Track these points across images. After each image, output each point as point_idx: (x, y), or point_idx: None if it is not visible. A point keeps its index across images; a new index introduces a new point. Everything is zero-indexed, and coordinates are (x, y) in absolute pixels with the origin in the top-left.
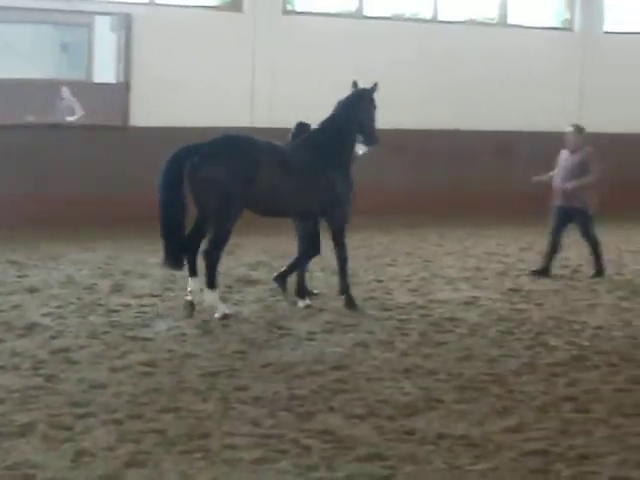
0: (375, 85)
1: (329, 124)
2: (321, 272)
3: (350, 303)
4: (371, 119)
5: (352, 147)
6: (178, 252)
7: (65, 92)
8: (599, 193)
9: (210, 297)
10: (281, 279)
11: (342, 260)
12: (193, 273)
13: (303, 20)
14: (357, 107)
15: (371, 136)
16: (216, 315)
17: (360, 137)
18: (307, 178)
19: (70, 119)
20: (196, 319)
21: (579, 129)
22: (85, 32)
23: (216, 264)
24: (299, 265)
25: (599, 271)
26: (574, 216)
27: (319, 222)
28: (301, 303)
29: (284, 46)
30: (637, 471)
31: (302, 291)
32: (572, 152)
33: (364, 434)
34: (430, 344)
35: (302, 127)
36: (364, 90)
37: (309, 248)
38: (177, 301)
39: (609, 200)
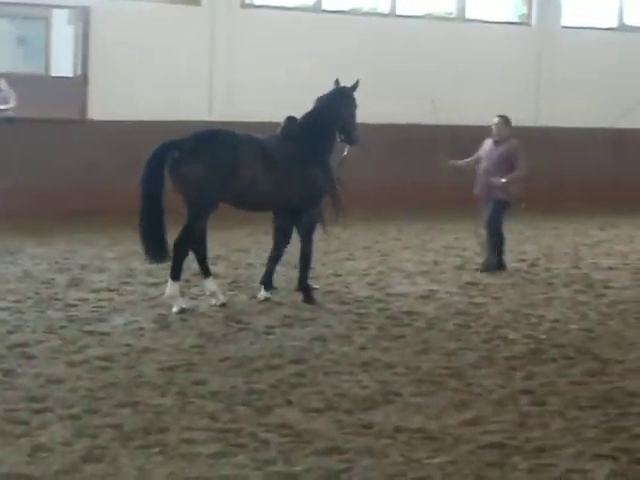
0: (356, 83)
1: (310, 119)
2: (280, 266)
3: (309, 298)
4: (352, 117)
5: (333, 143)
6: (159, 245)
7: (2, 83)
8: (524, 186)
9: (171, 289)
10: (267, 280)
11: (307, 255)
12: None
13: (261, 14)
14: (339, 104)
15: (352, 135)
16: (174, 309)
17: (341, 136)
18: (288, 172)
19: (2, 107)
20: (153, 313)
21: (506, 120)
22: (42, 25)
23: (184, 257)
24: (275, 257)
25: (500, 265)
26: (493, 205)
27: (296, 216)
28: (262, 294)
29: (242, 40)
30: (593, 463)
31: (268, 282)
32: (497, 143)
33: (322, 428)
34: (388, 338)
35: (292, 121)
36: (345, 88)
37: (283, 240)
38: (135, 295)
39: (564, 194)
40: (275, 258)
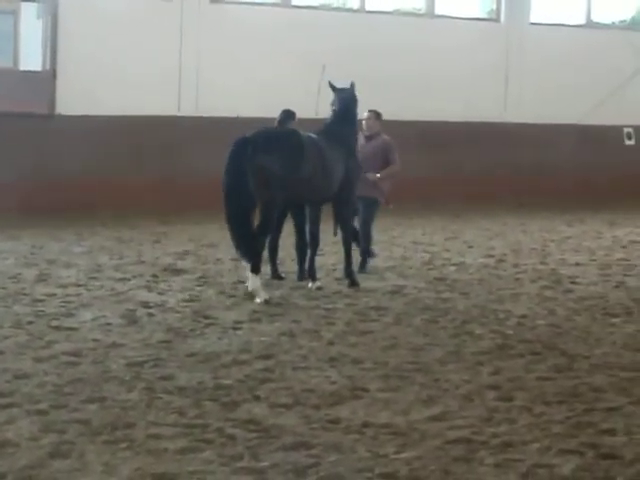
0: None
1: (341, 117)
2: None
3: (354, 282)
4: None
5: (356, 138)
6: (249, 241)
7: None
8: (393, 183)
9: (254, 282)
10: (309, 272)
11: (349, 243)
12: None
13: (231, 9)
14: (354, 102)
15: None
16: (257, 300)
17: None
18: (334, 168)
19: None
20: (121, 309)
21: (377, 114)
22: (11, 19)
23: (262, 250)
24: (312, 249)
25: (362, 264)
26: (366, 204)
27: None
28: (312, 285)
29: (212, 35)
30: (559, 458)
31: (313, 273)
32: (368, 138)
33: (289, 423)
34: (356, 333)
35: (288, 114)
36: (353, 88)
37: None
38: (102, 291)
39: (532, 190)
40: (315, 247)
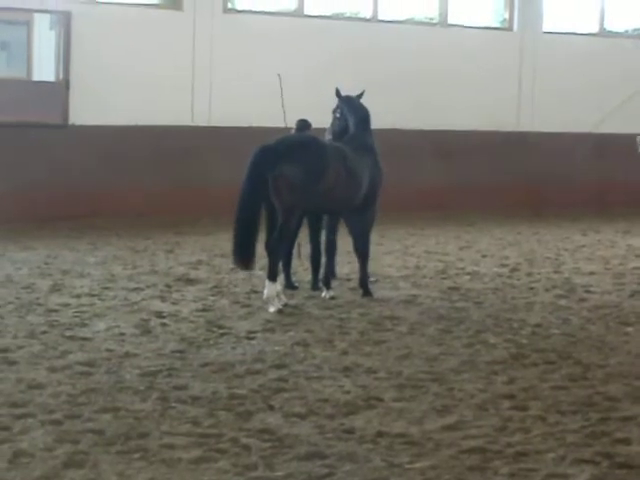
0: (361, 93)
1: (362, 127)
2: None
3: (368, 292)
4: None
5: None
6: (250, 252)
7: None
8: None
9: (270, 290)
10: (324, 280)
11: (365, 255)
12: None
13: (244, 18)
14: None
15: None
16: (270, 309)
17: None
18: (357, 178)
19: None
20: (135, 319)
21: (306, 123)
22: (24, 30)
23: (279, 258)
24: (328, 257)
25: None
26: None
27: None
28: (326, 294)
29: (224, 44)
30: (574, 468)
31: (328, 281)
32: None
33: (304, 433)
34: (370, 342)
35: (304, 123)
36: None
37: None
38: (116, 301)
39: (546, 198)
40: (331, 255)
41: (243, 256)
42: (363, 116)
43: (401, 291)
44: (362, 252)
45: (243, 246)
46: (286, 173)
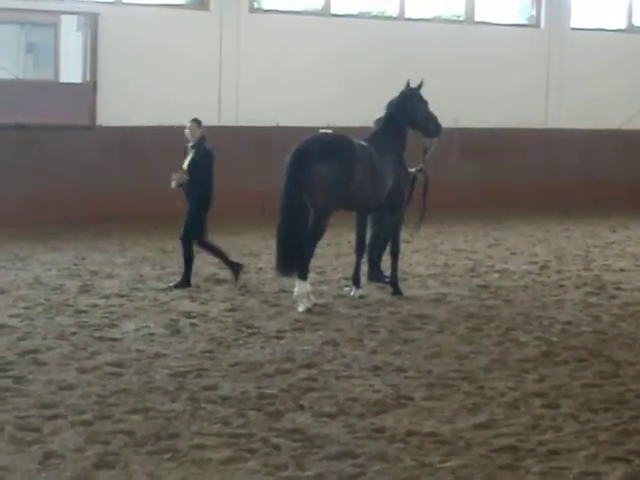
0: (421, 83)
1: (386, 125)
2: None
3: (398, 291)
4: (422, 114)
5: (405, 143)
6: (293, 258)
7: None
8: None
9: (301, 288)
10: (354, 279)
11: (396, 252)
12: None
13: (270, 18)
14: (405, 107)
15: (428, 128)
16: (299, 308)
17: (420, 132)
18: (383, 176)
19: None
20: (164, 319)
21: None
22: (51, 32)
23: (311, 256)
24: (360, 253)
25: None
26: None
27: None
28: (356, 292)
29: (251, 44)
30: (606, 466)
31: (358, 279)
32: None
33: (334, 432)
34: (399, 341)
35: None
36: (409, 90)
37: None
38: (145, 301)
39: (575, 195)
40: (361, 253)
41: (286, 262)
42: (387, 115)
43: (430, 289)
44: (392, 251)
45: (287, 253)
46: (320, 171)
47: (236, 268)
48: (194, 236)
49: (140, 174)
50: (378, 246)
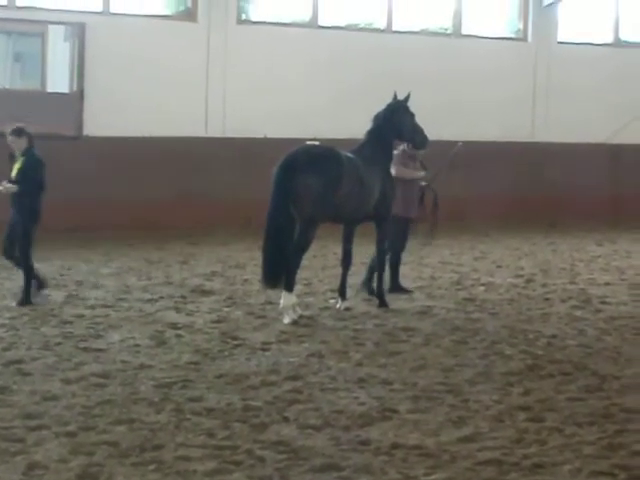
0: (408, 95)
1: (373, 137)
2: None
3: (384, 303)
4: (408, 127)
5: (392, 155)
6: (279, 269)
7: None
8: None
9: (286, 300)
10: (340, 291)
11: (381, 264)
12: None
13: (257, 29)
14: (391, 119)
15: (415, 140)
16: (285, 320)
17: (408, 144)
18: (370, 188)
19: None
20: (149, 330)
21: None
22: (39, 41)
23: (297, 268)
24: (347, 266)
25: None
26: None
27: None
28: (341, 304)
29: (238, 55)
30: None
31: (344, 291)
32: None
33: (319, 445)
34: (385, 354)
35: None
36: (396, 103)
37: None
38: (131, 312)
39: (561, 209)
40: (347, 265)
41: (272, 274)
42: (374, 128)
43: (416, 302)
44: (378, 263)
45: (273, 265)
46: (306, 182)
47: (41, 284)
48: (24, 250)
49: (126, 184)
50: (395, 251)
